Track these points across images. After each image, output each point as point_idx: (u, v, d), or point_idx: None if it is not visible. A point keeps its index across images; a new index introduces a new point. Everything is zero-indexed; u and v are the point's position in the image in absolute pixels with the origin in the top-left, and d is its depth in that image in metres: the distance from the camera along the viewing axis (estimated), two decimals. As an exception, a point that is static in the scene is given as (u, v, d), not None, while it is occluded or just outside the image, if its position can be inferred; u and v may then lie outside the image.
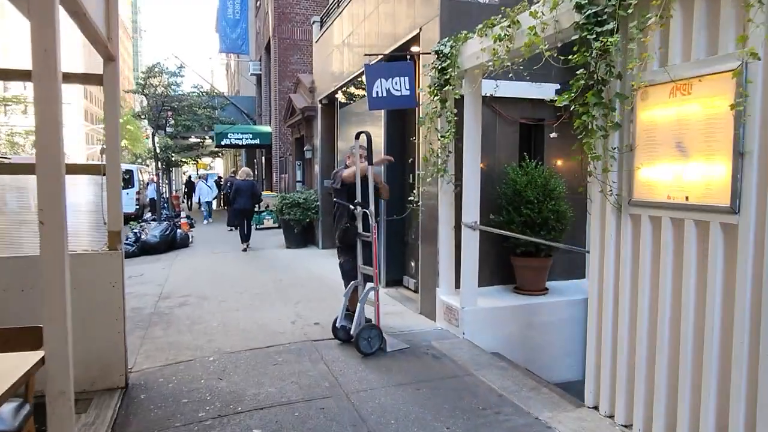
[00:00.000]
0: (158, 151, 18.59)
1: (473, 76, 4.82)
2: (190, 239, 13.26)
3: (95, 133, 70.88)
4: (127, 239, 12.08)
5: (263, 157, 21.64)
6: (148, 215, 18.33)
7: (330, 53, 10.25)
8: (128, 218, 19.10)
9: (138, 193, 20.77)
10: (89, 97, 75.40)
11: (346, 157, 5.20)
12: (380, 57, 6.37)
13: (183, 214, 17.09)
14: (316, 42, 11.47)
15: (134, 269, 9.87)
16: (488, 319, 5.09)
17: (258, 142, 18.33)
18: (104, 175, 4.11)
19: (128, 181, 20.66)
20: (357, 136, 4.91)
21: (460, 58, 4.80)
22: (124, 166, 22.98)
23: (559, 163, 5.87)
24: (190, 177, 38.78)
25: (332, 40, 10.04)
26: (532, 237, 5.12)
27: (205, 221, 17.92)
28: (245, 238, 11.54)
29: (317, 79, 11.38)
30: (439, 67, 4.96)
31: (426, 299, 5.90)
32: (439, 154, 5.26)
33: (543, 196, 5.16)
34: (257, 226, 15.48)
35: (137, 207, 20.47)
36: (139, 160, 42.71)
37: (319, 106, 11.08)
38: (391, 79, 5.17)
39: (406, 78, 5.20)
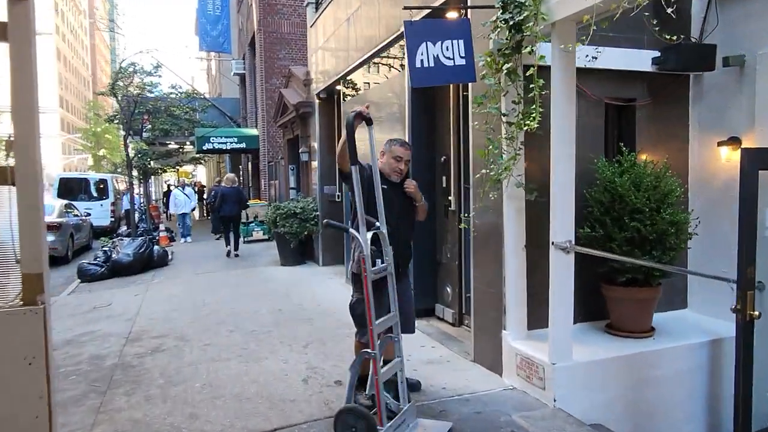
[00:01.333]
0: (133, 157, 16.90)
1: (566, 31, 3.36)
2: (170, 256, 11.63)
3: (72, 142, 68.54)
4: (96, 258, 10.46)
5: (249, 163, 20.03)
6: (123, 228, 16.55)
7: (329, 38, 8.76)
8: (103, 232, 17.40)
9: (113, 204, 19.03)
10: (65, 105, 72.98)
11: (380, 153, 3.72)
12: (426, 11, 4.80)
13: (162, 227, 15.40)
14: (311, 26, 9.97)
15: (102, 296, 8.27)
16: (586, 378, 3.61)
17: (244, 146, 16.74)
18: (13, 184, 2.56)
19: (103, 191, 18.94)
20: (369, 122, 3.36)
21: (545, 5, 3.34)
22: (99, 176, 21.16)
23: (650, 156, 4.41)
24: (169, 186, 36.86)
25: (333, 21, 8.55)
26: (643, 259, 3.67)
27: (183, 240, 14.92)
28: (234, 244, 11.58)
29: (313, 71, 9.87)
30: (512, 23, 3.48)
31: (483, 342, 4.41)
32: (505, 148, 3.79)
33: (656, 202, 3.70)
34: (246, 239, 13.90)
35: (112, 220, 18.74)
36: (119, 170, 40.84)
37: (317, 101, 9.56)
38: (440, 42, 3.68)
39: (461, 41, 3.72)
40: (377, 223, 3.30)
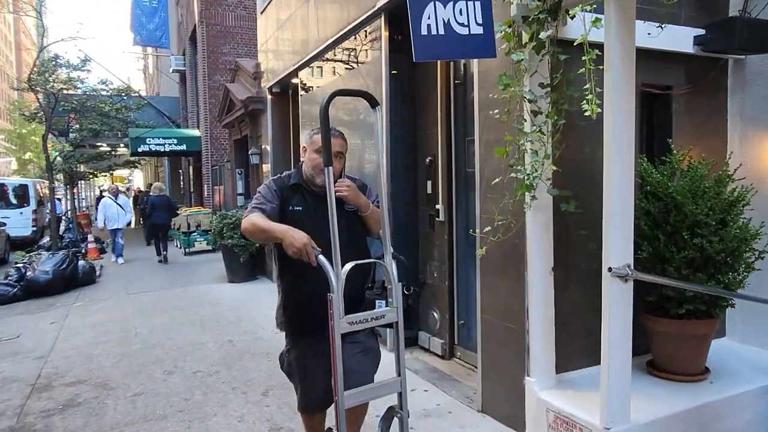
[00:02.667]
0: (54, 159, 15.16)
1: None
2: (98, 272, 10.19)
3: (-6, 145, 63.51)
4: (7, 277, 8.93)
5: (191, 167, 18.51)
6: (46, 239, 14.65)
7: (284, 24, 7.72)
8: (24, 243, 15.49)
9: (35, 212, 17.05)
10: (-12, 106, 67.62)
11: (302, 150, 2.69)
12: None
13: (91, 237, 13.78)
14: (262, 13, 8.88)
15: (10, 325, 6.88)
16: (644, 442, 2.78)
17: (184, 148, 15.32)
18: None
19: (23, 197, 16.95)
20: (373, 103, 2.41)
21: (599, -47, 2.49)
22: (18, 180, 19.04)
23: (689, 155, 3.66)
24: (102, 192, 34.24)
25: (288, 3, 7.52)
26: (708, 284, 2.89)
27: (114, 259, 12.08)
28: (162, 250, 11.75)
29: (264, 62, 8.78)
30: (551, -22, 2.62)
31: (495, 388, 3.53)
32: (529, 146, 2.92)
33: (721, 213, 2.93)
34: (187, 250, 12.58)
35: (34, 229, 16.77)
36: (47, 174, 37.71)
37: (269, 96, 8.48)
38: (452, 3, 2.78)
39: (478, 3, 2.83)
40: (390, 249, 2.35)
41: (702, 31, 3.48)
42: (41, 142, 15.82)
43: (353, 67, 5.83)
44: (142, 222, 20.16)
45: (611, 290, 2.63)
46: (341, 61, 6.09)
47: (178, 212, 13.22)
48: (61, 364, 5.12)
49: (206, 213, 12.89)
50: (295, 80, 7.66)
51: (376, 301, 2.42)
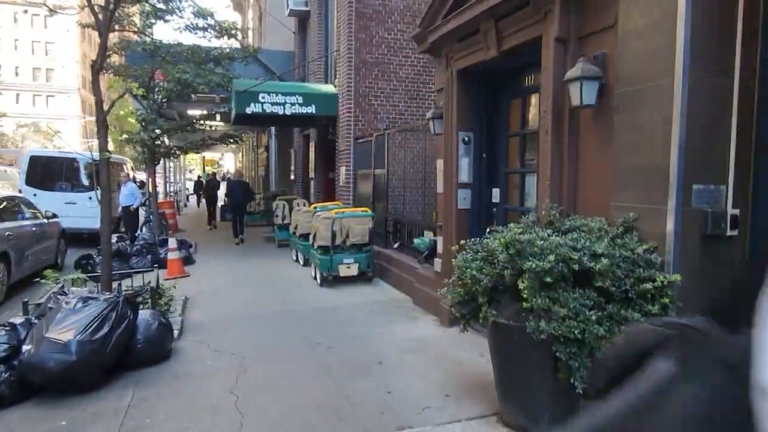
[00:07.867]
0: (141, 123, 10.62)
1: None
2: (176, 333, 5.04)
3: (93, 125, 63.21)
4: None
5: (311, 143, 13.30)
6: (113, 239, 9.80)
7: None
8: (93, 238, 10.95)
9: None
10: (88, 86, 67.76)
11: None
12: None
13: (172, 242, 8.82)
14: None
15: None
16: None
17: (312, 111, 9.99)
18: None
19: (95, 178, 12.43)
20: None
21: None
22: (88, 155, 14.47)
23: None
24: (199, 176, 30.17)
25: None
26: None
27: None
28: (239, 231, 12.02)
29: None
30: None
31: None
32: None
33: None
34: (328, 275, 7.25)
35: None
36: (97, 130, 34.23)
37: None
38: None
39: None
40: None
41: None
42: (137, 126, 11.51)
43: None
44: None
45: None
46: None
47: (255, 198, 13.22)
48: None
49: (359, 216, 7.53)
50: None
51: None
